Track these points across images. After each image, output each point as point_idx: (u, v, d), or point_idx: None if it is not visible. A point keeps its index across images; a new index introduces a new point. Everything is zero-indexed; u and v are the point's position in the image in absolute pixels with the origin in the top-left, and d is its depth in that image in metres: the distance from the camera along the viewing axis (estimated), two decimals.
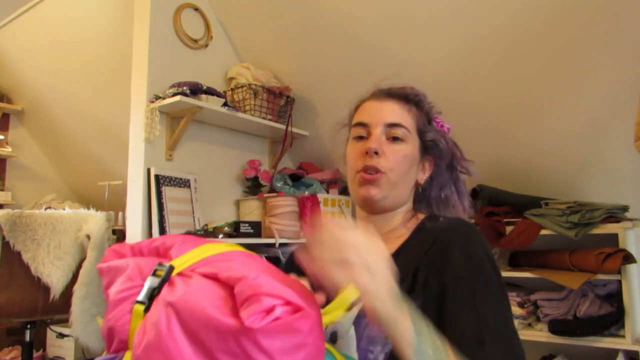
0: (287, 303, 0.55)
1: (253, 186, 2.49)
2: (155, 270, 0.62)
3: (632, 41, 1.67)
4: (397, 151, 0.85)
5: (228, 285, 0.58)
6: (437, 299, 0.73)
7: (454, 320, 0.70)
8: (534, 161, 2.14)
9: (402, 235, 0.86)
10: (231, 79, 2.49)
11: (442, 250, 0.76)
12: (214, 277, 0.60)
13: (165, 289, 0.60)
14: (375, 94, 0.93)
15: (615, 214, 1.88)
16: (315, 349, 0.55)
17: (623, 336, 1.80)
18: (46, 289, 1.99)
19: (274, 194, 2.34)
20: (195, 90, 2.11)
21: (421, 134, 0.90)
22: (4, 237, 1.95)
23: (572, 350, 2.04)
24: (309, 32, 2.32)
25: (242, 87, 2.39)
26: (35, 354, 2.60)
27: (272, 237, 2.21)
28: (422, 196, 0.93)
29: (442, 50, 2.01)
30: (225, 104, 2.25)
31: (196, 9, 2.40)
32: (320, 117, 2.60)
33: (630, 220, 1.87)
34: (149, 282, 0.61)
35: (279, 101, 2.52)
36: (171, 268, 0.62)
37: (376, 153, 0.84)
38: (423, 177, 0.91)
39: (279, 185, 2.43)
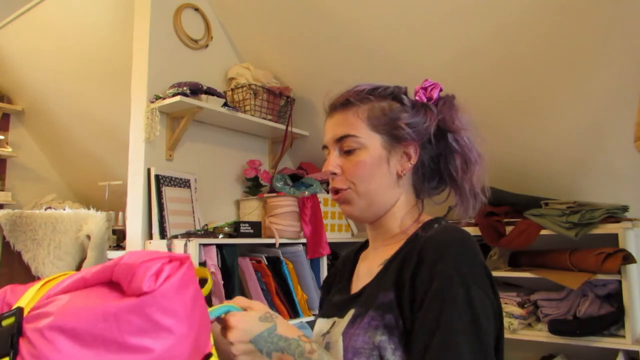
0: (171, 260, 0.57)
1: (253, 186, 2.49)
2: (1, 321, 0.54)
3: (632, 42, 1.67)
4: (352, 162, 0.83)
5: (100, 281, 0.57)
6: (409, 318, 0.72)
7: (413, 344, 0.69)
8: (534, 161, 2.14)
9: (399, 241, 0.84)
10: (231, 79, 2.49)
11: (416, 266, 0.73)
12: (81, 283, 0.57)
13: (28, 329, 0.52)
14: (327, 112, 0.90)
15: (615, 214, 1.88)
16: (199, 290, 0.59)
17: (623, 336, 1.80)
18: None
19: (274, 194, 2.34)
20: (196, 90, 2.12)
21: (378, 129, 0.83)
22: (4, 237, 1.95)
23: (572, 350, 2.04)
24: (309, 32, 2.32)
25: (242, 87, 2.39)
26: None
27: (272, 237, 2.21)
28: (422, 179, 0.87)
29: (442, 50, 2.01)
30: (225, 104, 2.25)
31: (196, 9, 2.40)
32: (320, 117, 2.59)
33: (630, 220, 1.87)
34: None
35: (279, 101, 2.52)
36: (20, 309, 0.55)
37: (334, 174, 0.85)
38: (406, 166, 0.84)
39: (279, 185, 2.43)
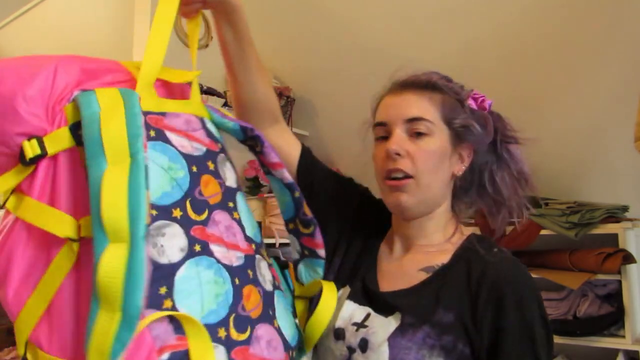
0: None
1: (253, 186, 2.49)
2: None
3: (632, 41, 1.67)
4: (422, 148, 0.76)
5: None
6: (485, 352, 0.71)
7: None
8: (534, 161, 2.13)
9: (446, 251, 0.79)
10: None
11: (491, 298, 0.71)
12: None
13: None
14: (391, 88, 0.84)
15: (615, 214, 1.88)
16: None
17: (623, 336, 1.80)
18: None
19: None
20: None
21: (449, 122, 0.79)
22: None
23: (572, 350, 2.04)
24: (309, 32, 2.32)
25: None
26: None
27: (273, 237, 2.21)
28: (461, 188, 0.84)
29: (441, 49, 2.01)
30: (225, 104, 2.25)
31: None
32: (320, 117, 2.60)
33: (630, 220, 1.87)
34: None
35: (279, 101, 2.52)
36: None
37: (398, 154, 0.76)
38: (461, 168, 0.81)
39: None
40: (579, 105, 1.90)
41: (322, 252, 0.75)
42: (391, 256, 0.84)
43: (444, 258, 0.78)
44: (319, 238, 0.75)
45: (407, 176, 0.76)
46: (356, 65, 2.26)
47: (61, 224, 0.51)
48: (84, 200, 0.50)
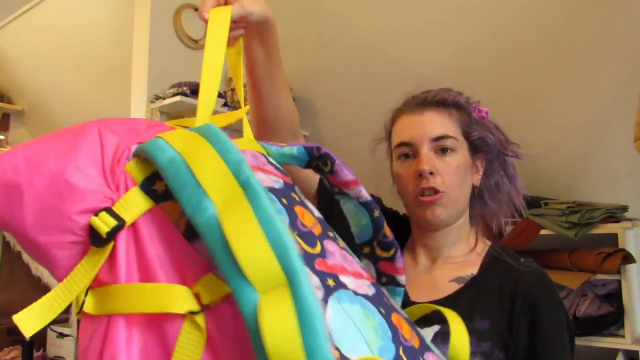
0: None
1: None
2: None
3: (632, 42, 1.67)
4: (450, 165, 0.80)
5: None
6: (516, 355, 0.75)
7: None
8: (534, 161, 2.13)
9: (473, 262, 0.83)
10: (231, 79, 2.49)
11: (525, 308, 0.77)
12: None
13: None
14: (410, 106, 0.86)
15: (615, 214, 1.88)
16: None
17: (623, 336, 1.80)
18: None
19: None
20: (196, 90, 2.12)
21: (467, 135, 0.84)
22: (4, 238, 1.95)
23: None
24: (308, 32, 2.33)
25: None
26: (36, 354, 2.61)
27: None
28: (475, 198, 0.88)
29: (442, 49, 2.01)
30: (225, 105, 2.25)
31: (196, 10, 2.39)
32: (320, 118, 2.60)
33: (630, 220, 1.87)
34: None
35: None
36: None
37: (431, 174, 0.79)
38: (478, 178, 0.86)
39: None
40: (579, 105, 1.90)
41: (402, 278, 0.66)
42: (417, 268, 0.87)
43: (473, 269, 0.82)
44: (400, 263, 0.65)
45: (437, 191, 0.80)
46: (356, 65, 2.26)
47: (174, 298, 0.39)
48: (188, 262, 0.41)
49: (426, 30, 2.00)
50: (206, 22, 0.56)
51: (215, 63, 0.54)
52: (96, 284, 0.42)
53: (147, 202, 0.43)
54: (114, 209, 0.42)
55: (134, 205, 0.42)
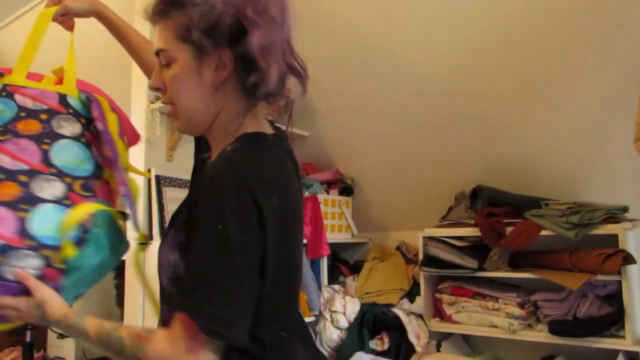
0: None
1: None
2: None
3: (632, 43, 1.67)
4: (167, 77, 0.80)
5: None
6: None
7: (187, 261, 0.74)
8: (534, 161, 2.14)
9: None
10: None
11: (200, 190, 0.74)
12: None
13: None
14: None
15: (615, 215, 1.88)
16: None
17: (623, 337, 1.80)
18: None
19: None
20: None
21: (188, 37, 0.77)
22: None
23: (572, 351, 2.04)
24: (308, 32, 2.32)
25: None
26: (36, 355, 2.60)
27: None
28: (249, 89, 0.81)
29: (441, 49, 2.01)
30: None
31: None
32: (320, 117, 2.60)
33: (630, 220, 1.87)
34: None
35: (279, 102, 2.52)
36: None
37: (158, 89, 0.83)
38: (222, 74, 0.78)
39: None
40: (579, 105, 1.90)
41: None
42: None
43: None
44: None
45: (172, 104, 0.82)
46: (356, 65, 2.26)
47: None
48: None
49: (426, 30, 2.00)
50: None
51: (34, 39, 1.07)
52: None
53: None
54: None
55: None
